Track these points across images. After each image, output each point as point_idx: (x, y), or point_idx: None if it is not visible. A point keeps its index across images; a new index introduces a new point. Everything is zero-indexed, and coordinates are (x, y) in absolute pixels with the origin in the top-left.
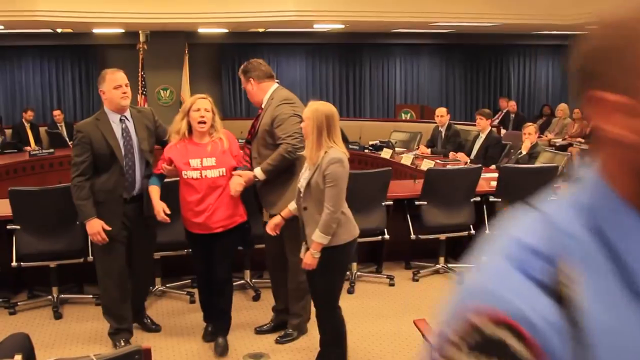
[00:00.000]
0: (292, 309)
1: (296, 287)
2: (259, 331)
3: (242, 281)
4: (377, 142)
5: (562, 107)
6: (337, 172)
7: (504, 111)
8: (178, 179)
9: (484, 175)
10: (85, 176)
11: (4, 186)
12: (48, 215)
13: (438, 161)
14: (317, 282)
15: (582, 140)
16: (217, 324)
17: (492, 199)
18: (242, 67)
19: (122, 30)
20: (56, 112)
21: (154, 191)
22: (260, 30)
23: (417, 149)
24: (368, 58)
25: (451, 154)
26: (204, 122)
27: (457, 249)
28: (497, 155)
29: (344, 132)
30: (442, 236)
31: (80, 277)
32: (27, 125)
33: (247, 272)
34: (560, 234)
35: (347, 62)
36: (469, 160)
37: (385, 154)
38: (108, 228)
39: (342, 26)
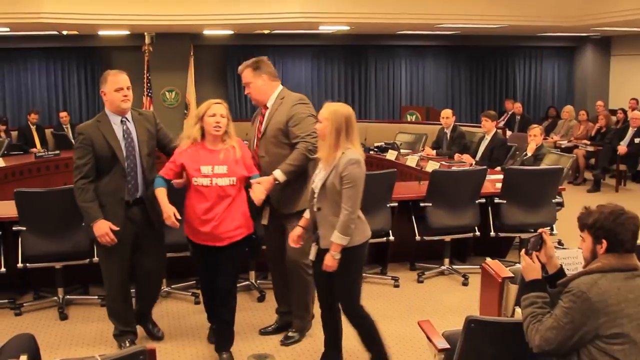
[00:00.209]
0: (295, 311)
1: (298, 288)
2: (264, 332)
3: (247, 282)
4: (383, 143)
5: (568, 109)
6: (355, 173)
7: (510, 113)
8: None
9: (489, 176)
10: (89, 178)
11: (9, 188)
12: (54, 217)
13: (443, 163)
14: (337, 285)
15: (588, 142)
16: (220, 338)
17: (497, 200)
18: (250, 62)
19: (128, 32)
20: (62, 114)
21: (161, 193)
22: (266, 31)
23: (423, 150)
24: (373, 60)
25: (456, 156)
26: (220, 127)
27: (462, 251)
28: (503, 157)
29: None
30: (447, 238)
31: (86, 278)
32: (33, 127)
33: (252, 273)
34: None
35: (352, 64)
36: (474, 162)
37: (391, 155)
38: (116, 228)
39: (348, 28)
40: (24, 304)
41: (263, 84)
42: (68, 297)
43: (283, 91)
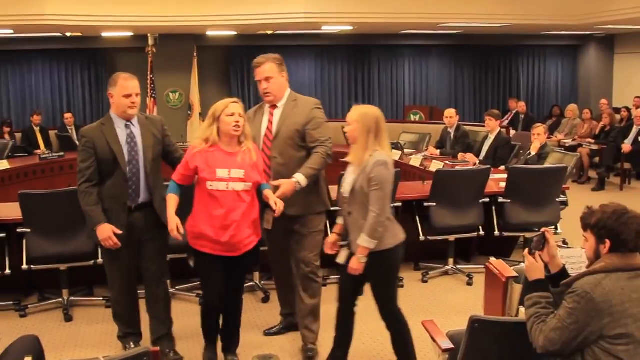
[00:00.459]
0: (309, 326)
1: (305, 294)
2: (268, 333)
3: (252, 283)
4: None
5: (572, 107)
6: (382, 175)
7: (514, 112)
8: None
9: (493, 176)
10: (92, 182)
11: (14, 189)
12: (58, 219)
13: (447, 162)
14: (373, 289)
15: (592, 141)
16: (229, 341)
17: (501, 200)
18: (273, 56)
19: (131, 34)
20: (67, 115)
21: (171, 201)
22: (269, 32)
23: (426, 150)
24: (377, 59)
25: (460, 155)
26: (239, 127)
27: (466, 250)
28: (506, 156)
29: None
30: (451, 237)
31: (91, 280)
32: (36, 129)
33: (257, 274)
34: None
35: (355, 64)
36: (478, 161)
37: (394, 155)
38: (119, 232)
39: (351, 28)
40: (29, 306)
41: (283, 82)
42: (73, 298)
43: (292, 93)
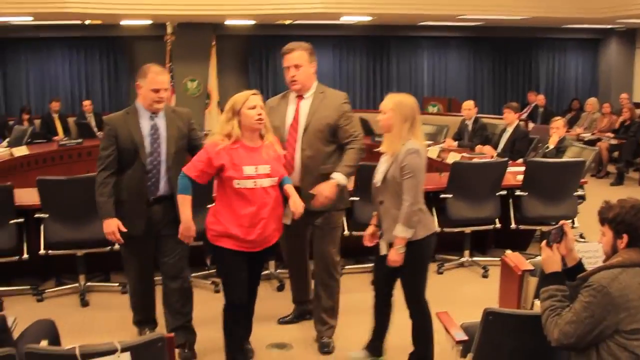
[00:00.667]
0: (326, 320)
1: (323, 291)
2: (282, 322)
3: (267, 271)
4: None
5: (592, 101)
6: (414, 163)
7: (533, 105)
8: None
9: (511, 169)
10: (110, 170)
11: (32, 175)
12: (76, 205)
13: (464, 154)
14: (402, 279)
15: (611, 135)
16: (245, 330)
17: (518, 192)
18: (304, 45)
19: (150, 22)
20: (86, 102)
21: (185, 202)
22: (288, 22)
23: (444, 142)
24: (395, 51)
25: (478, 148)
26: (262, 119)
27: (482, 243)
28: (524, 149)
29: (370, 125)
30: (468, 229)
31: (107, 266)
32: (55, 116)
33: (272, 263)
34: None
35: (374, 55)
36: (495, 154)
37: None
38: (124, 229)
39: (370, 18)
40: (46, 290)
41: (313, 72)
42: (89, 284)
43: (320, 85)
